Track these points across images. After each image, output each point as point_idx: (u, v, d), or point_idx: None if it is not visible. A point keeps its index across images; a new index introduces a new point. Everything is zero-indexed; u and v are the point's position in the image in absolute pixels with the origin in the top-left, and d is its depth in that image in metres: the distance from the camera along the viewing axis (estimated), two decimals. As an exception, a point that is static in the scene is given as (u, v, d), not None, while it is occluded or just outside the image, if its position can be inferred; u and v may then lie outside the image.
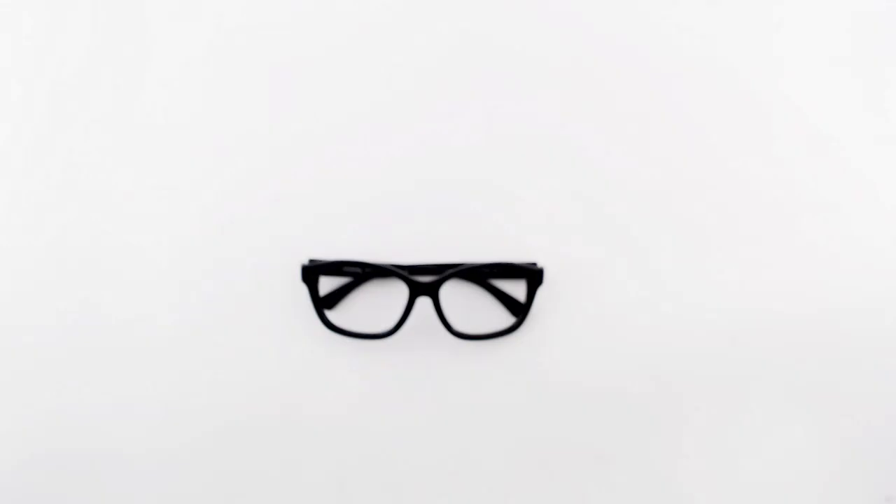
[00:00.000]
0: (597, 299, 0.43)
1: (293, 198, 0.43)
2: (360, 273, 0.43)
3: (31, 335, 0.43)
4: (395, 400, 0.43)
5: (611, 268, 0.43)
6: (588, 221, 0.43)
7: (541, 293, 0.41)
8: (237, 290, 0.43)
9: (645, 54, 0.44)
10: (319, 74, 0.44)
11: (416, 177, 0.44)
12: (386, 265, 0.41)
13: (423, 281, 0.40)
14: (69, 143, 0.43)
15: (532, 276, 0.41)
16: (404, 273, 0.40)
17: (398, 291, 0.41)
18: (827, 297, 0.43)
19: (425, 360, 0.43)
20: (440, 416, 0.43)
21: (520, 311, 0.42)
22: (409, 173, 0.44)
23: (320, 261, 0.42)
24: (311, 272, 0.41)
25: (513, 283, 0.43)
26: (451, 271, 0.40)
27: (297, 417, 0.42)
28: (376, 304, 0.43)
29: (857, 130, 0.44)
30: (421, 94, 0.44)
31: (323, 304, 0.42)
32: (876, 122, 0.44)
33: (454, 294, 0.43)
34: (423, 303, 0.40)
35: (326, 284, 0.43)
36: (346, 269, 0.42)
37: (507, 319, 0.43)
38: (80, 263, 0.43)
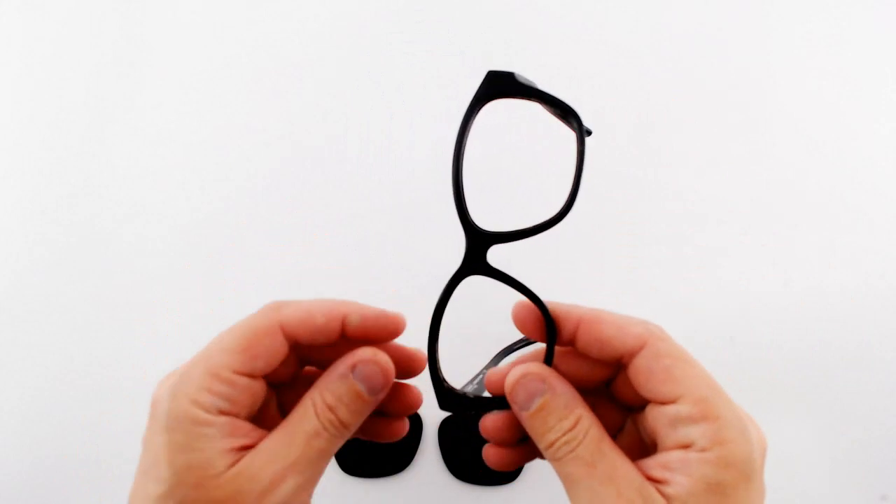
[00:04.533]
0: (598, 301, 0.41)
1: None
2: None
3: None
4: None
5: (613, 268, 0.42)
6: (590, 223, 0.42)
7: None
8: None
9: (654, 55, 0.45)
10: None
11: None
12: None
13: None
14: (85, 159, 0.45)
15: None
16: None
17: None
18: (823, 298, 0.44)
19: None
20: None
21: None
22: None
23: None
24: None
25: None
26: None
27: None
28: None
29: (859, 131, 0.46)
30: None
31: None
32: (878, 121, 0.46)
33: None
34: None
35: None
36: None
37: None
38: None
